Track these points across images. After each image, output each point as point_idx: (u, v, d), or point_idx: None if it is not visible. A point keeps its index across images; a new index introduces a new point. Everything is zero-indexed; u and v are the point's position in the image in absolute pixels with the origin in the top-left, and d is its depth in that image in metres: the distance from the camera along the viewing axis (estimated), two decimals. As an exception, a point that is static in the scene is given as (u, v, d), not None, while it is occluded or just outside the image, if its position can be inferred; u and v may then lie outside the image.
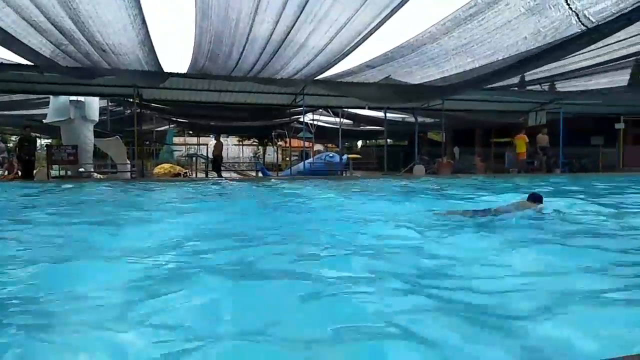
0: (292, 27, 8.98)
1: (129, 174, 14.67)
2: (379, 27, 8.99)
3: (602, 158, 19.30)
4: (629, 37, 9.16)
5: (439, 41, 9.67)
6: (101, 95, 15.54)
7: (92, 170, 15.01)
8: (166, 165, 16.14)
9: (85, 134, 14.68)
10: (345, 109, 19.35)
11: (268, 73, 12.10)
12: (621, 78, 12.70)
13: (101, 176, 14.94)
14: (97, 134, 15.43)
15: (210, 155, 17.29)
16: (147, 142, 21.83)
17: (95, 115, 15.13)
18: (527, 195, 5.68)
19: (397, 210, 6.34)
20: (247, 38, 9.46)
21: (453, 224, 4.99)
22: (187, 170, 17.65)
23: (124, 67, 11.37)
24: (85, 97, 14.53)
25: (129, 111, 18.14)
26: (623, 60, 11.01)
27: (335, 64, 11.28)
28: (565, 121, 17.68)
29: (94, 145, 15.12)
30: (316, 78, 12.65)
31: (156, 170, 15.90)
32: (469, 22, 8.56)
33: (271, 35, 9.32)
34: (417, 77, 12.29)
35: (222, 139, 18.72)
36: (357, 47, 10.09)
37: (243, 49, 10.16)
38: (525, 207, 5.36)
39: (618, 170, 18.69)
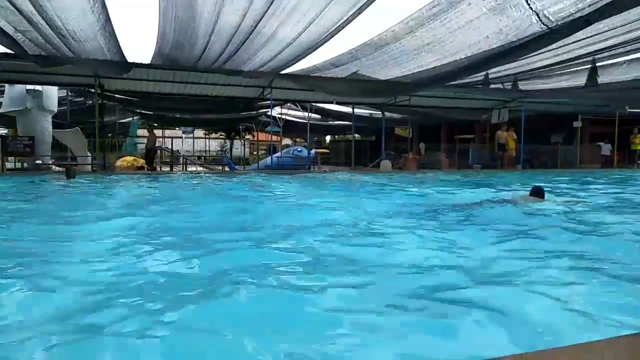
0: (261, 19, 8.86)
1: (89, 166, 14.22)
2: (348, 23, 9.00)
3: (561, 155, 20.03)
4: (587, 37, 9.51)
5: (402, 41, 9.81)
6: (60, 85, 14.97)
7: (50, 162, 14.45)
8: (129, 158, 15.68)
9: (43, 125, 14.13)
10: (314, 104, 19.32)
11: (235, 64, 11.93)
12: (579, 78, 13.18)
13: (60, 169, 14.40)
14: (55, 125, 14.87)
15: (175, 149, 16.97)
16: (110, 134, 21.20)
17: (53, 106, 14.58)
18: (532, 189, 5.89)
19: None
20: (214, 28, 9.29)
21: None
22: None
23: (86, 56, 10.98)
24: (43, 87, 13.97)
25: (90, 102, 17.55)
26: (581, 60, 11.42)
27: (303, 57, 11.24)
28: (526, 119, 18.23)
29: (53, 136, 14.56)
30: (283, 72, 12.58)
31: (118, 163, 15.45)
32: (432, 21, 8.69)
33: (239, 25, 9.17)
34: (383, 73, 12.39)
35: (184, 132, 18.34)
36: (325, 42, 10.07)
37: (209, 39, 9.98)
38: (528, 200, 5.52)
39: (575, 167, 19.41)
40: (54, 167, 14.37)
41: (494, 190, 8.92)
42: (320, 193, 8.79)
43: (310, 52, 10.84)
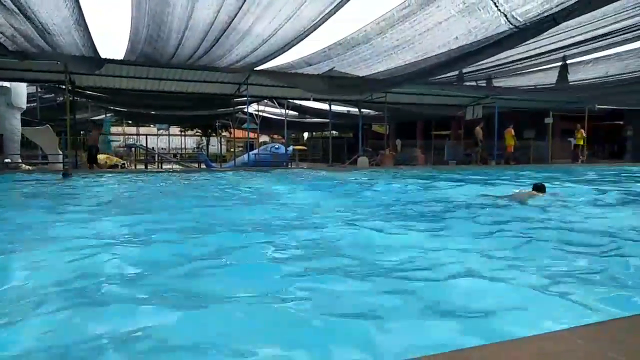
0: (236, 15, 8.79)
1: (61, 165, 13.88)
2: (324, 21, 9.02)
3: (533, 151, 20.50)
4: (556, 34, 9.75)
5: (372, 42, 9.96)
6: (29, 81, 14.56)
7: (20, 161, 14.06)
8: (102, 156, 15.38)
9: (12, 122, 13.72)
10: (291, 100, 19.29)
11: (209, 60, 11.81)
12: (551, 76, 13.52)
13: (30, 167, 14.03)
14: (25, 123, 14.46)
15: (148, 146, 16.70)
16: (82, 132, 20.74)
17: (22, 103, 14.18)
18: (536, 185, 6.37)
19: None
20: (188, 23, 9.17)
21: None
22: (125, 162, 16.95)
23: (60, 51, 10.71)
24: (10, 83, 13.56)
25: (61, 98, 17.12)
26: (551, 57, 11.71)
27: (280, 54, 11.21)
28: (500, 115, 18.58)
29: (22, 134, 14.16)
30: (259, 68, 12.53)
31: (91, 161, 15.13)
32: (402, 23, 8.84)
33: (213, 21, 9.08)
34: (359, 71, 12.46)
35: (159, 129, 18.05)
36: (301, 39, 10.07)
37: (183, 35, 9.85)
38: (532, 195, 6.00)
39: (547, 162, 19.90)
40: (23, 165, 13.98)
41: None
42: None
43: (287, 49, 10.82)
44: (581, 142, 19.40)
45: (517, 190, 6.70)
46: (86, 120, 20.62)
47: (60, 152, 14.38)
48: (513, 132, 18.20)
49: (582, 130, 19.03)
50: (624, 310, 2.07)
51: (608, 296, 2.31)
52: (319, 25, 9.20)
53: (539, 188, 6.13)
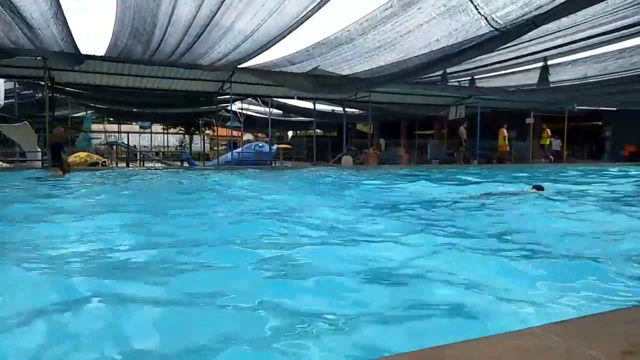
0: (219, 9, 8.71)
1: (39, 162, 13.61)
2: (307, 18, 9.01)
3: (515, 151, 20.78)
4: (537, 38, 9.91)
5: (355, 41, 10.01)
6: (7, 77, 14.24)
7: (-3, 158, 13.76)
8: (82, 154, 15.08)
9: (-12, 119, 13.43)
10: (275, 99, 19.21)
11: (192, 57, 11.71)
12: (532, 77, 13.73)
13: (8, 165, 13.73)
14: (2, 120, 14.13)
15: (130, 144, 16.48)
16: (62, 129, 20.32)
17: (0, 99, 13.86)
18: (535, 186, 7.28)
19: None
20: (170, 19, 9.07)
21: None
22: (105, 160, 16.70)
23: (39, 45, 10.50)
24: (-13, 79, 13.28)
25: (40, 95, 16.78)
26: (533, 58, 11.90)
27: (263, 51, 11.16)
28: (482, 115, 18.79)
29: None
30: (243, 66, 12.45)
31: (71, 159, 14.83)
32: (384, 23, 8.90)
33: (195, 16, 8.99)
34: (343, 69, 12.49)
35: (141, 126, 17.79)
36: (284, 36, 10.03)
37: (166, 31, 9.74)
38: (531, 192, 6.93)
39: (528, 162, 20.19)
40: (1, 163, 13.68)
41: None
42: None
43: (270, 46, 10.77)
44: (547, 142, 19.53)
45: (525, 189, 7.48)
46: (66, 117, 20.25)
47: (39, 150, 14.09)
48: (506, 133, 18.46)
49: (548, 130, 19.21)
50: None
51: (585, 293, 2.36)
52: (302, 22, 9.18)
53: (539, 187, 7.10)
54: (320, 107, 19.98)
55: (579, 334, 1.33)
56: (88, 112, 20.93)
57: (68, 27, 9.51)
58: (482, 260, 3.02)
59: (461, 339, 1.25)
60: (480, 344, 1.25)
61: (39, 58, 11.78)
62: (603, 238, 3.90)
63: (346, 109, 19.43)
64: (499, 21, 8.02)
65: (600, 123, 23.87)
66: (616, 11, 8.40)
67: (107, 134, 23.74)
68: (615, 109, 20.89)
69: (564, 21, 8.71)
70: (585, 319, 1.53)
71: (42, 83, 13.63)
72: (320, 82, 13.58)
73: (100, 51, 11.52)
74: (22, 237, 3.71)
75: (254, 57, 11.57)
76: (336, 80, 13.35)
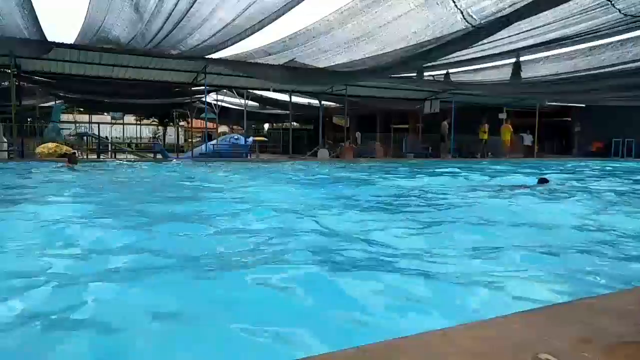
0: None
1: (5, 153, 13.18)
2: (289, 10, 8.91)
3: (488, 145, 21.14)
4: (511, 36, 10.07)
5: (333, 32, 9.95)
6: (-31, 64, 13.66)
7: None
8: (51, 145, 14.60)
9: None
10: (251, 90, 19.03)
11: (167, 44, 11.41)
12: (505, 72, 13.97)
13: None
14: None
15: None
16: (29, 119, 19.71)
17: (-38, 87, 13.34)
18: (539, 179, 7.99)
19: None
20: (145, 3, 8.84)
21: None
22: (75, 151, 16.25)
23: (2, 34, 10.10)
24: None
25: (5, 83, 16.18)
26: (505, 54, 12.09)
27: (238, 40, 10.97)
28: (455, 110, 19.05)
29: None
30: (217, 56, 12.27)
31: (39, 150, 14.39)
32: (363, 14, 8.87)
33: (175, 6, 8.80)
34: (319, 62, 12.43)
35: (113, 117, 17.32)
36: (263, 26, 9.90)
37: (142, 18, 9.48)
38: (537, 186, 7.58)
39: (502, 156, 20.59)
40: None
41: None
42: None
43: (246, 36, 10.61)
44: (485, 137, 19.57)
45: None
46: (34, 106, 19.61)
47: (5, 140, 13.64)
48: (511, 127, 18.83)
49: (486, 125, 19.27)
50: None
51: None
52: (285, 13, 9.07)
53: (544, 180, 7.77)
54: (296, 99, 19.89)
55: (543, 321, 1.36)
56: (57, 101, 20.31)
57: (34, 13, 9.16)
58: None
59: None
60: (440, 335, 1.26)
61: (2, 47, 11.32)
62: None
63: (322, 102, 19.40)
64: (473, 16, 8.11)
65: (569, 119, 24.48)
66: (585, 12, 8.61)
67: (78, 125, 23.13)
68: (583, 105, 21.47)
69: (537, 19, 8.88)
70: (552, 307, 1.56)
71: (8, 71, 13.15)
72: (296, 74, 13.51)
73: (70, 39, 11.18)
74: None
75: (229, 46, 11.38)
76: (312, 73, 13.28)
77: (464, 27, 8.55)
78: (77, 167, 10.06)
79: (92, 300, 2.03)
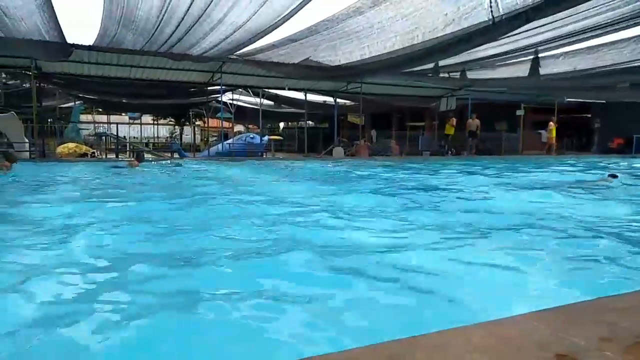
0: (212, 1, 8.62)
1: (27, 153, 13.44)
2: (297, 11, 8.94)
3: (505, 142, 20.91)
4: (529, 29, 9.93)
5: (349, 20, 9.89)
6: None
7: (-16, 149, 13.54)
8: (71, 145, 14.89)
9: (-26, 109, 13.20)
10: (266, 89, 19.11)
11: (182, 47, 11.56)
12: (523, 69, 13.77)
13: (-6, 155, 13.52)
14: (-13, 110, 13.92)
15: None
16: (50, 120, 20.08)
17: (-15, 89, 13.65)
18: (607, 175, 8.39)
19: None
20: (165, 7, 8.95)
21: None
22: (94, 150, 16.53)
23: (20, 36, 10.29)
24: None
25: (26, 85, 16.53)
26: (524, 51, 11.94)
27: (255, 40, 11.05)
28: (472, 107, 18.84)
29: (-15, 122, 13.61)
30: (233, 56, 12.35)
31: (59, 150, 14.67)
32: (379, 4, 8.83)
33: (189, 8, 8.89)
34: (334, 59, 12.40)
35: (131, 117, 17.53)
36: (277, 26, 9.95)
37: (158, 20, 9.60)
38: (609, 180, 8.04)
39: (518, 153, 20.34)
40: None
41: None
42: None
43: (262, 36, 10.68)
44: (451, 132, 18.97)
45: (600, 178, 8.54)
46: (54, 107, 19.99)
47: (27, 140, 13.91)
48: (556, 125, 18.78)
49: (453, 119, 18.72)
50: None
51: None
52: (295, 13, 9.10)
53: (613, 176, 8.15)
54: (311, 98, 19.90)
55: (563, 320, 1.34)
56: (77, 102, 20.68)
57: (55, 16, 9.33)
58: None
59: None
60: (458, 332, 1.26)
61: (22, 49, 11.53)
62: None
63: (337, 100, 19.37)
64: (499, 6, 8.05)
65: (589, 115, 24.04)
66: (607, 3, 8.45)
67: (96, 125, 23.49)
68: (604, 101, 21.05)
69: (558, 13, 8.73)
70: (571, 306, 1.54)
71: (29, 73, 13.44)
72: (311, 73, 13.51)
73: (89, 40, 11.37)
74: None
75: (245, 47, 11.46)
76: (328, 72, 13.26)
77: (487, 19, 8.46)
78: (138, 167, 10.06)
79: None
